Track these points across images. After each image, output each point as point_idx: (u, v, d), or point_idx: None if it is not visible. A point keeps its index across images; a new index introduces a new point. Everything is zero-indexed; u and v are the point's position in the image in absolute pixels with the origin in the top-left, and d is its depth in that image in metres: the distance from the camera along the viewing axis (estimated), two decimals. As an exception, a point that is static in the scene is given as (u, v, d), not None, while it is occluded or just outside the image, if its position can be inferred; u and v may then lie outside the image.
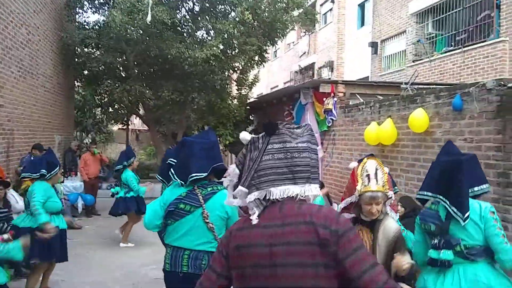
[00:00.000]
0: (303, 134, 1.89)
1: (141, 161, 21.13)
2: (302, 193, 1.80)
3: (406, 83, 8.18)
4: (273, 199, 1.79)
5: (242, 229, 1.82)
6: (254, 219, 1.78)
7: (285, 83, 24.83)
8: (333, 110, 8.76)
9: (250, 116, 15.74)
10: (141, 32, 11.73)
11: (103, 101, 14.23)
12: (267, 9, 12.74)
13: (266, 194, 1.80)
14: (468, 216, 3.01)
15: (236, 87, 15.34)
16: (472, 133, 5.06)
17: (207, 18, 12.90)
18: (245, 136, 1.95)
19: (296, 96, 10.66)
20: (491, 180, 4.70)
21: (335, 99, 8.79)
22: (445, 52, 13.02)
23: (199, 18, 13.08)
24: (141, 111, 15.41)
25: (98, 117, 19.29)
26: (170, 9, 11.89)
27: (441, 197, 3.16)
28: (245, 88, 15.43)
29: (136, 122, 29.55)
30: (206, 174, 3.36)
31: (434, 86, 8.33)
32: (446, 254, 3.03)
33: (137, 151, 26.72)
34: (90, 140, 19.44)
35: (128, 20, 11.08)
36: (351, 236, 1.69)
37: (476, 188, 3.25)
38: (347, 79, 15.34)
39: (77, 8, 13.45)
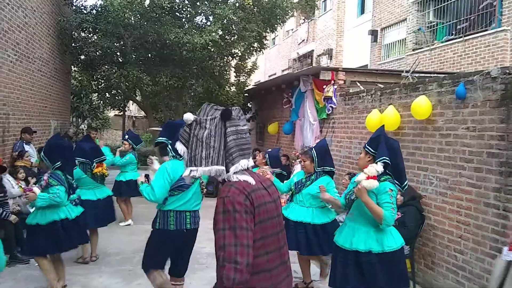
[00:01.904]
0: (241, 117, 2.34)
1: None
2: (250, 164, 2.30)
3: (407, 71, 8.09)
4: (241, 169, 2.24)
5: (255, 191, 2.18)
6: (253, 181, 2.20)
7: (283, 70, 24.69)
8: (333, 97, 8.68)
9: (248, 104, 15.65)
10: (139, 16, 11.58)
11: (99, 87, 14.09)
12: (267, -6, 12.59)
13: (239, 165, 2.22)
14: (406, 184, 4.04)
15: (235, 74, 15.22)
16: (475, 122, 5.00)
17: (206, 3, 12.73)
18: (189, 117, 2.30)
19: (295, 83, 10.57)
20: (493, 170, 4.66)
21: (335, 86, 8.71)
22: (446, 41, 12.93)
23: (198, 3, 12.90)
24: (138, 97, 15.29)
25: (94, 102, 19.16)
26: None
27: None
28: (244, 75, 15.30)
29: (132, 108, 29.42)
30: None
31: (435, 75, 8.26)
32: None
33: (134, 137, 26.67)
34: (86, 126, 19.34)
35: (126, 4, 10.92)
36: None
37: None
38: (346, 67, 15.25)
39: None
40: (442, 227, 5.42)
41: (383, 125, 4.43)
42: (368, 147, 4.06)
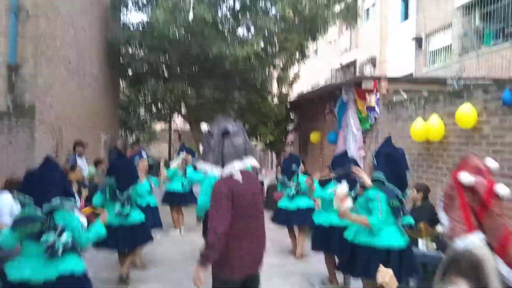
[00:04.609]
0: (240, 131, 3.32)
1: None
2: (247, 164, 3.23)
3: (452, 78, 7.92)
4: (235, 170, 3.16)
5: (237, 185, 3.12)
6: (240, 179, 3.14)
7: (326, 80, 24.57)
8: (376, 107, 8.58)
9: (291, 115, 15.65)
10: (183, 31, 11.86)
11: (147, 101, 14.51)
12: (308, 5, 12.60)
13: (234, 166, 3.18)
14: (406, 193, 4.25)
15: (277, 85, 15.28)
16: (524, 129, 4.85)
17: (248, 15, 12.91)
18: (204, 127, 3.46)
19: (337, 93, 10.51)
20: (544, 178, 4.50)
21: (378, 96, 8.61)
22: (494, 46, 12.54)
23: (239, 16, 13.10)
24: (183, 110, 15.63)
25: (142, 117, 19.74)
26: (211, 6, 11.97)
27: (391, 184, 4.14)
28: (286, 86, 15.34)
29: (178, 122, 30.07)
30: None
31: (482, 82, 8.03)
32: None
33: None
34: (134, 139, 19.93)
35: (171, 19, 11.24)
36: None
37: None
38: (390, 75, 15.01)
39: (122, 8, 13.75)
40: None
41: (390, 137, 4.66)
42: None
